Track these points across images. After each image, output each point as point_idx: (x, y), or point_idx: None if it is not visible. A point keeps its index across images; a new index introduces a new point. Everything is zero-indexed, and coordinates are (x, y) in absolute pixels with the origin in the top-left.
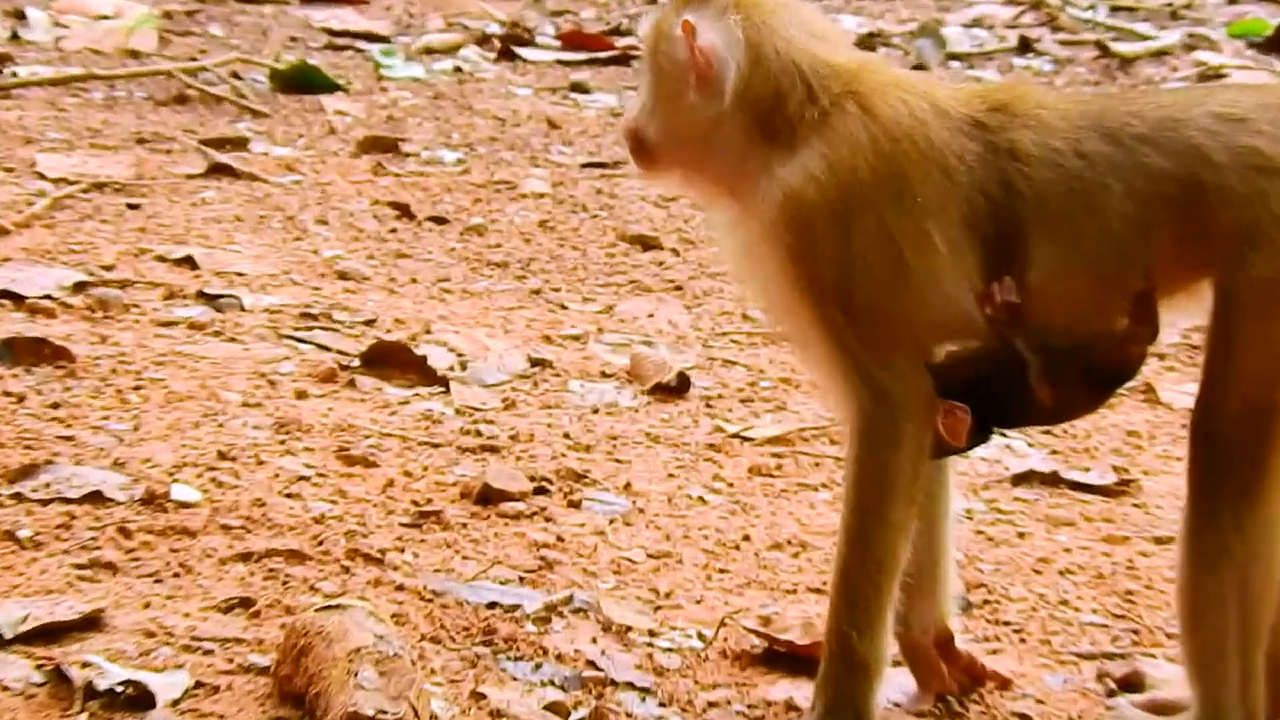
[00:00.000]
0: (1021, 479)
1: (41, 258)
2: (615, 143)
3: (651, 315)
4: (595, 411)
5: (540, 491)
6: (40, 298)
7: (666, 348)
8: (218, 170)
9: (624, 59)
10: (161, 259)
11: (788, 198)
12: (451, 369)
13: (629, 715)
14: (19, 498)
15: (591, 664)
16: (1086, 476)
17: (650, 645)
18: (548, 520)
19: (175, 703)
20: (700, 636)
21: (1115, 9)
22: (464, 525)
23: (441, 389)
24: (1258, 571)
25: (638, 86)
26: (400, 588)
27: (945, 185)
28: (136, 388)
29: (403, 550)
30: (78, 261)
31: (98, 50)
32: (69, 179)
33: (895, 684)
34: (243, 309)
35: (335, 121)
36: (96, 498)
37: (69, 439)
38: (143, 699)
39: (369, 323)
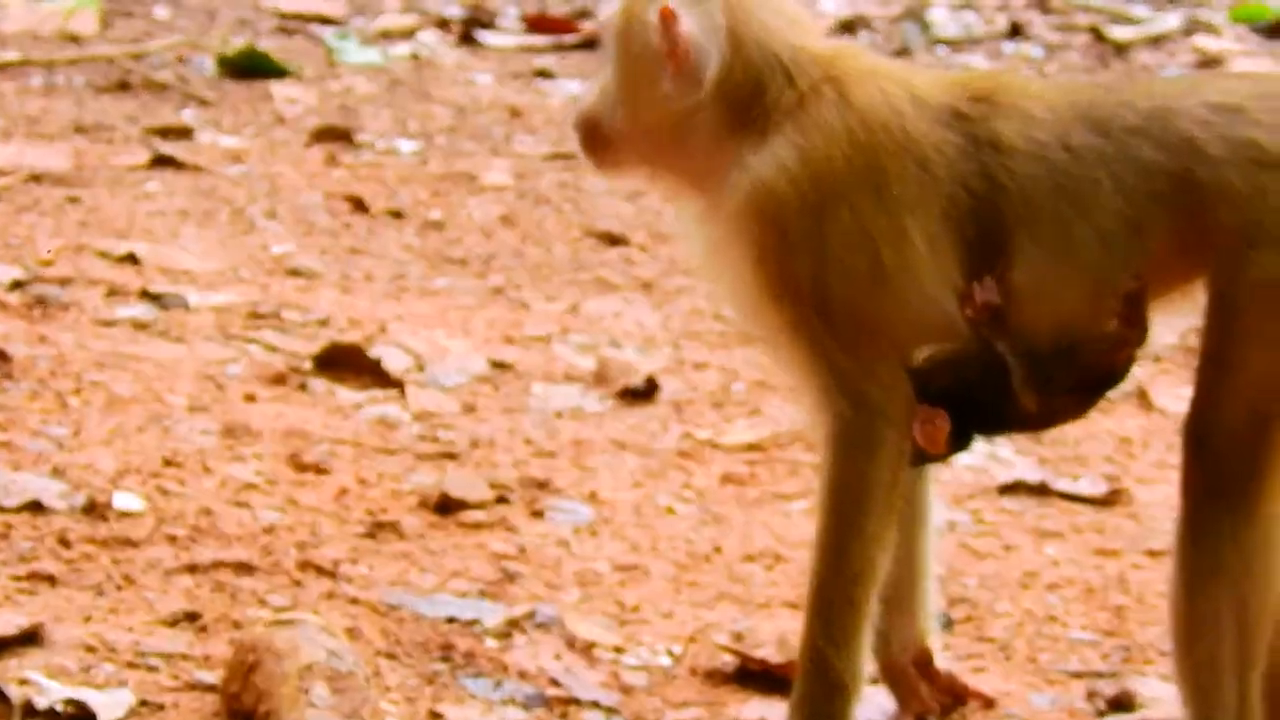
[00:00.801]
0: (1008, 489)
1: None
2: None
3: (619, 315)
4: (559, 416)
5: (501, 500)
6: None
7: (634, 349)
8: (162, 161)
9: (591, 44)
10: (103, 255)
11: (758, 189)
12: (408, 371)
13: None
14: None
15: (555, 682)
16: (1076, 486)
17: (616, 662)
18: (509, 530)
19: None
20: (669, 653)
21: None
22: (421, 536)
23: (398, 392)
24: (1255, 587)
25: (598, 74)
26: (354, 601)
27: (924, 179)
28: (76, 390)
29: (357, 562)
30: (14, 258)
31: (35, 34)
32: (5, 170)
33: (873, 704)
34: (188, 308)
35: (285, 110)
36: (35, 506)
37: (5, 444)
38: (84, 718)
39: (321, 323)
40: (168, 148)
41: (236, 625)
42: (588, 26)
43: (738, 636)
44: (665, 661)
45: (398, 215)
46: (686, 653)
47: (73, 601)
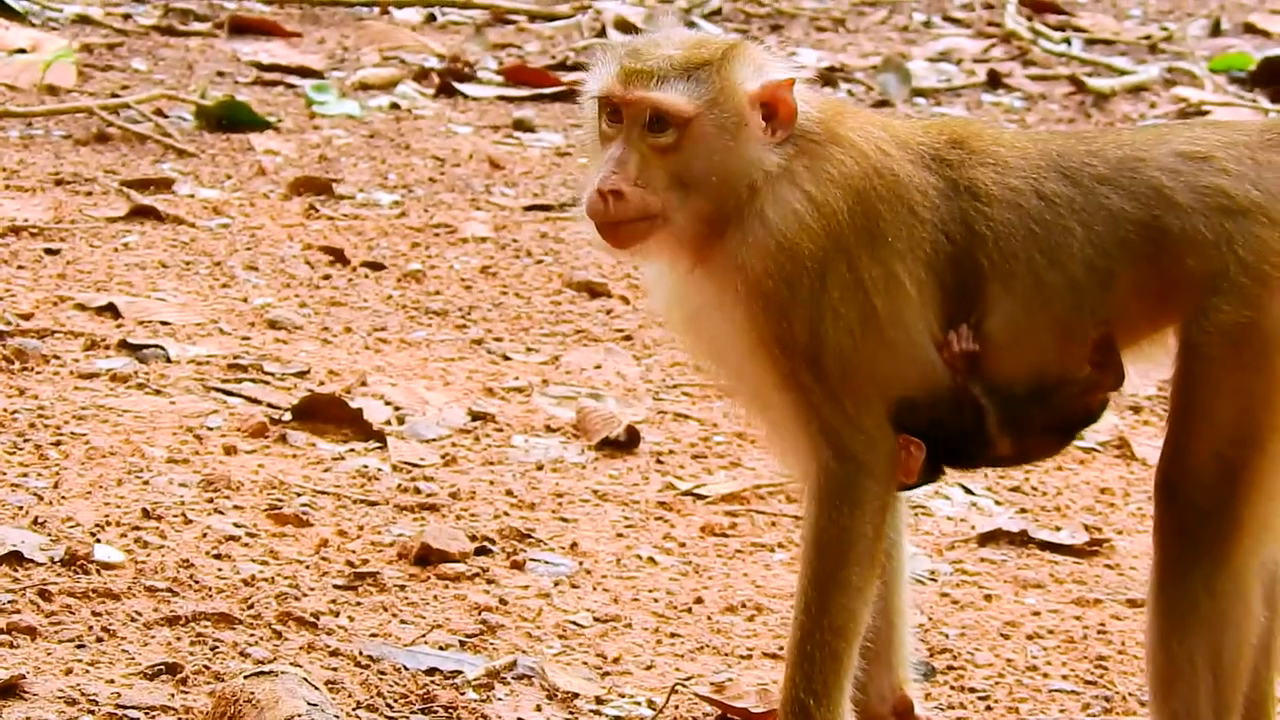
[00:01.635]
0: (989, 538)
1: None
2: (562, 184)
3: (599, 366)
4: (540, 468)
5: (482, 552)
6: None
7: (615, 401)
8: (141, 213)
9: (570, 95)
10: (82, 307)
11: (778, 244)
12: (388, 423)
13: None
14: None
15: None
16: (1057, 536)
17: (598, 713)
18: (490, 582)
19: None
20: (650, 704)
21: (1091, 42)
22: (402, 587)
23: (378, 444)
24: (1230, 635)
25: (625, 151)
26: (335, 653)
27: (913, 223)
28: (56, 443)
29: (337, 614)
30: None
31: (13, 86)
32: None
33: None
34: (168, 360)
35: (265, 161)
36: (15, 558)
37: None
38: None
39: (301, 374)
40: (147, 200)
41: (217, 677)
42: (566, 78)
43: (719, 688)
44: (646, 713)
45: (377, 267)
46: (668, 704)
47: (53, 654)
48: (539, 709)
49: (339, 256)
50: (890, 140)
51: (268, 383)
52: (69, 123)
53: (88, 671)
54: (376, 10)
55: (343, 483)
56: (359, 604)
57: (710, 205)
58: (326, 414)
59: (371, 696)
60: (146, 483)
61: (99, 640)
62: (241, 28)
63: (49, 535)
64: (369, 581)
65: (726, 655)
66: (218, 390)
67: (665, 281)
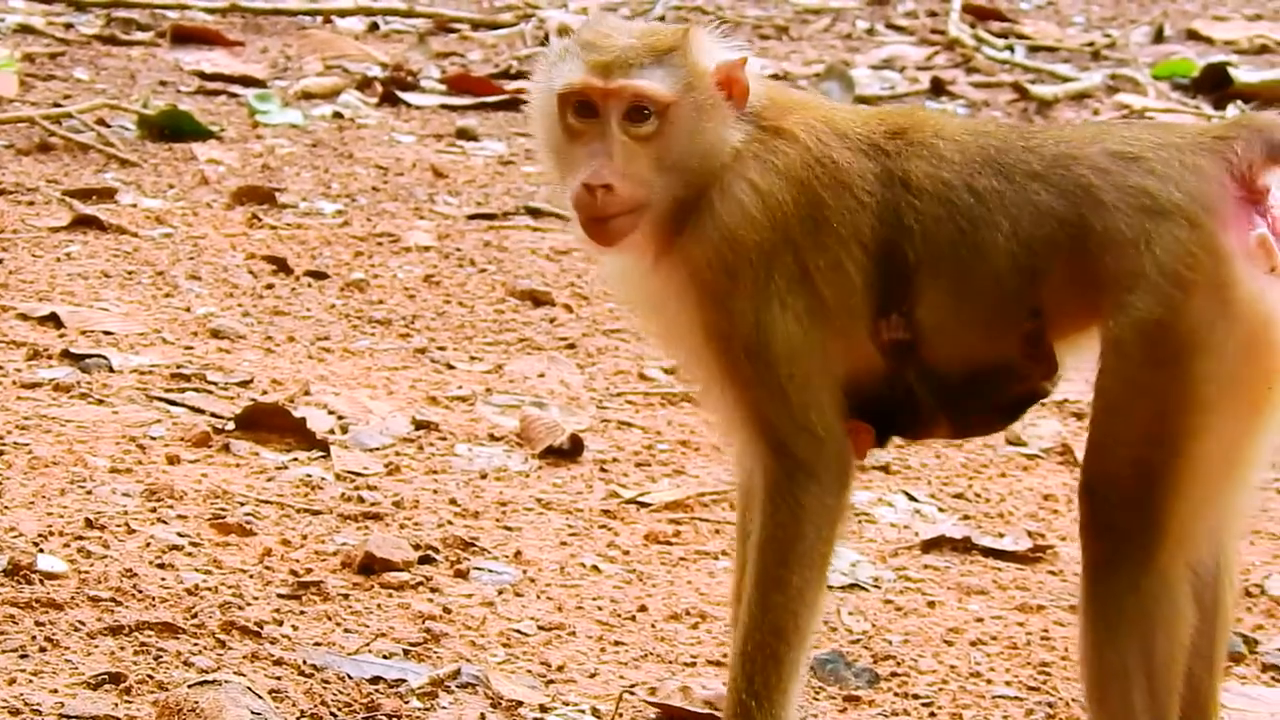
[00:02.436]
0: (932, 545)
1: None
2: (505, 192)
3: (543, 375)
4: (483, 476)
5: (425, 561)
6: None
7: (558, 409)
8: (83, 223)
9: (513, 103)
10: (24, 317)
11: (724, 237)
12: (332, 432)
13: None
14: None
15: None
16: (1000, 542)
17: None
18: (434, 591)
19: None
20: (594, 712)
21: (1034, 49)
22: (345, 596)
23: (321, 453)
24: (1160, 636)
25: (612, 143)
26: (279, 662)
27: (855, 209)
28: None
29: (281, 623)
30: None
31: None
32: None
33: None
34: (111, 370)
35: (208, 171)
36: None
37: None
38: None
39: (244, 384)
40: (90, 209)
41: (161, 686)
42: (510, 86)
43: (664, 695)
44: None
45: (320, 276)
46: (617, 711)
47: None
48: (483, 717)
49: (282, 266)
50: (829, 130)
51: (211, 392)
52: (11, 132)
53: (31, 681)
54: (319, 19)
55: (286, 492)
56: (303, 613)
57: (687, 191)
58: (270, 423)
59: (315, 705)
60: (90, 492)
61: (42, 650)
62: (184, 37)
63: None
64: (313, 590)
65: (671, 663)
66: (161, 400)
67: (629, 275)
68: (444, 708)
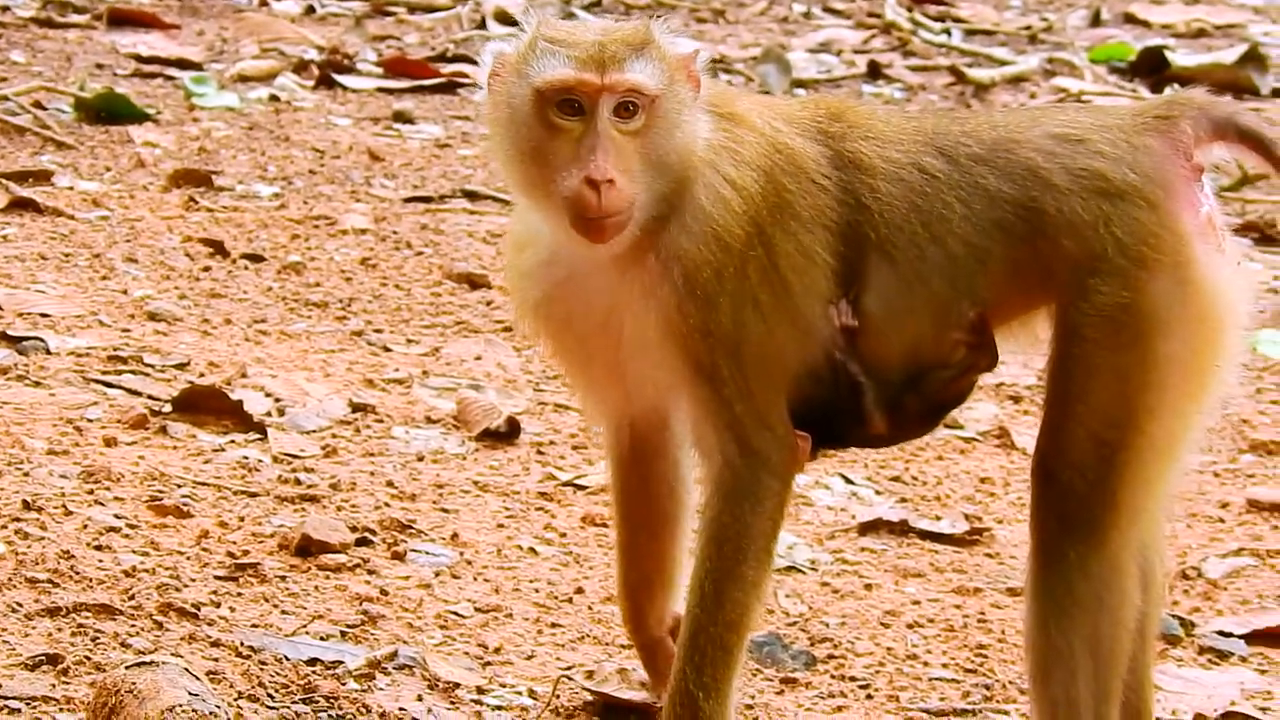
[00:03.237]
0: (869, 528)
1: None
2: (442, 175)
3: (479, 358)
4: (420, 459)
5: (363, 543)
6: None
7: (495, 392)
8: (20, 205)
9: (450, 87)
10: None
11: (715, 235)
12: (269, 414)
13: None
14: None
15: None
16: (937, 525)
17: (479, 703)
18: (371, 573)
19: None
20: (531, 694)
21: (971, 33)
22: (282, 578)
23: (258, 435)
24: (1107, 619)
25: (603, 145)
26: (216, 643)
27: (814, 192)
28: None
29: (218, 604)
30: None
31: None
32: None
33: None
34: (48, 352)
35: (144, 153)
36: None
37: None
38: None
39: (181, 366)
40: (26, 192)
41: (98, 668)
42: (446, 70)
43: (601, 677)
44: (527, 702)
45: (257, 259)
46: (554, 693)
47: None
48: (420, 699)
49: (219, 248)
50: (776, 116)
51: (148, 374)
52: None
53: None
54: (255, 2)
55: (223, 474)
56: (240, 595)
57: (667, 186)
58: (207, 405)
59: (253, 687)
60: (27, 474)
61: None
62: (120, 20)
63: None
64: (250, 572)
65: (607, 645)
66: (98, 382)
67: (592, 276)
68: (381, 689)
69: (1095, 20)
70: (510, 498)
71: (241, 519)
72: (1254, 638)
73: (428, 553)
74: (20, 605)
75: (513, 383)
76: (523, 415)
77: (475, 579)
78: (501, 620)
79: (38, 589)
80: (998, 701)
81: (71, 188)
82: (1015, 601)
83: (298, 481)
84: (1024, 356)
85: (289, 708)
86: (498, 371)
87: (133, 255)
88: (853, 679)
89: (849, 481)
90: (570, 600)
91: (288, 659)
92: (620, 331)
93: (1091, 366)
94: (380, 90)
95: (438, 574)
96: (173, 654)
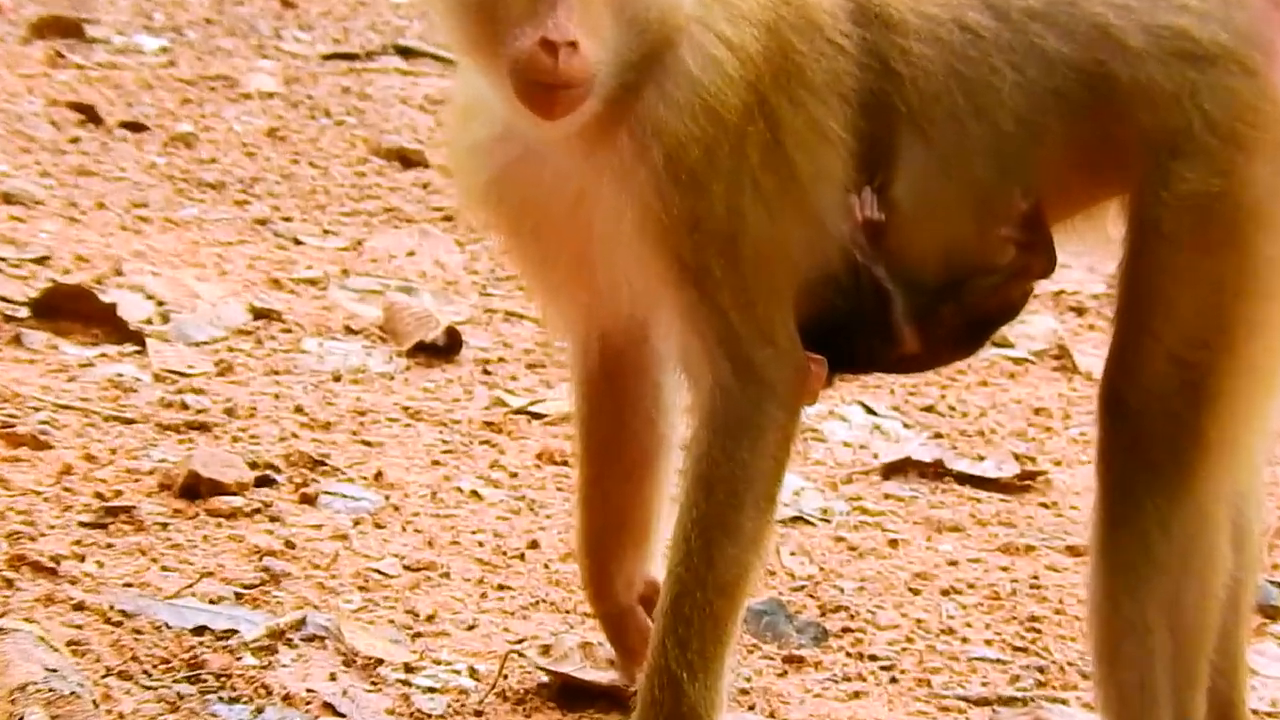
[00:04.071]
0: (895, 469)
1: None
2: (370, 27)
3: (412, 253)
4: (337, 379)
5: (264, 483)
6: None
7: (432, 296)
8: None
9: None
10: None
11: (705, 105)
12: (149, 322)
13: None
14: None
15: (329, 707)
16: (980, 467)
17: (407, 684)
18: (274, 520)
19: None
20: (473, 673)
21: None
22: (164, 526)
23: (136, 348)
24: (1192, 586)
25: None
26: (80, 606)
27: (830, 53)
28: None
29: (83, 558)
30: None
31: None
32: None
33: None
34: None
35: None
36: None
37: None
38: None
39: (41, 260)
40: None
41: None
42: None
43: (560, 654)
44: (468, 683)
45: (138, 128)
46: (502, 673)
47: None
48: (333, 678)
49: (90, 115)
50: None
51: (0, 270)
52: None
53: None
54: None
55: (91, 395)
56: (110, 546)
57: (642, 52)
58: (72, 310)
59: (125, 661)
60: None
61: None
62: None
63: None
64: (122, 518)
65: (568, 613)
66: None
67: (532, 156)
68: (284, 665)
69: None
70: (449, 428)
71: (113, 452)
72: None
73: (345, 495)
74: None
75: (454, 285)
76: (465, 325)
77: (404, 529)
78: (436, 581)
79: None
80: (1053, 687)
81: None
82: (1077, 563)
83: (184, 405)
84: (1089, 259)
85: (169, 688)
86: (435, 270)
87: None
88: (873, 658)
89: (871, 411)
90: (522, 557)
91: (169, 627)
92: (589, 223)
93: (1174, 270)
94: None
95: (357, 522)
96: (25, 619)
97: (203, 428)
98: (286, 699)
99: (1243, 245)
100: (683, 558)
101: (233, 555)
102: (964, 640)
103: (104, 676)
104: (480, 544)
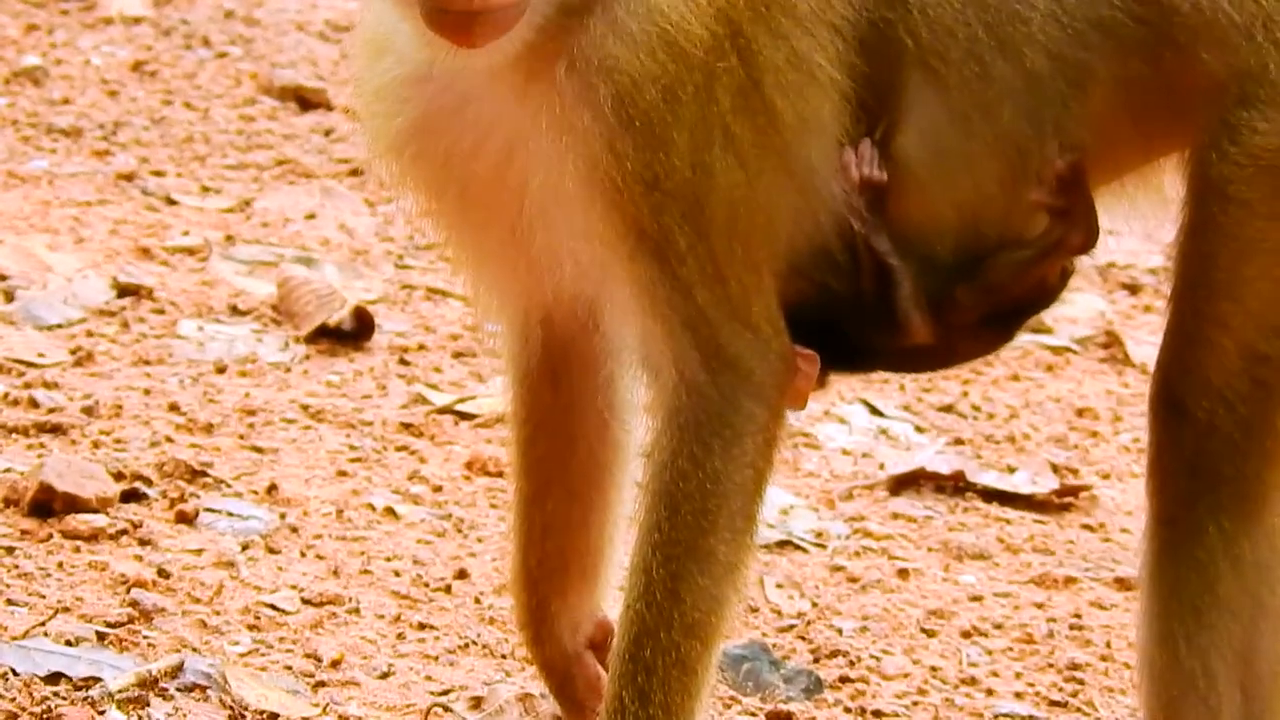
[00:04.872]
0: (905, 483)
1: None
2: None
3: (312, 216)
4: (221, 370)
5: (132, 497)
6: None
7: (337, 268)
8: None
9: None
10: None
11: (663, 37)
12: None
13: None
14: None
15: None
16: (1010, 480)
17: None
18: (144, 543)
19: None
20: None
21: None
22: (9, 551)
23: None
24: (1265, 627)
25: None
26: None
27: None
28: None
29: None
30: None
31: None
32: None
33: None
34: None
35: None
36: None
37: None
38: None
39: None
40: None
41: None
42: None
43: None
44: None
45: None
46: None
47: None
48: None
49: None
50: None
51: None
52: None
53: None
54: None
55: None
56: None
57: None
58: None
59: None
60: None
61: None
62: None
63: None
64: None
65: (502, 658)
66: None
67: (455, 98)
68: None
69: None
70: (357, 431)
71: None
72: None
73: (231, 514)
74: None
75: (363, 255)
76: (378, 305)
77: (304, 555)
78: (342, 619)
79: None
80: None
81: None
82: (1127, 599)
83: (33, 403)
84: (1143, 227)
85: None
86: (340, 237)
87: None
88: (877, 714)
89: (876, 412)
90: (447, 589)
91: (15, 674)
92: (523, 180)
93: (1245, 243)
94: None
95: (246, 547)
96: None
97: (56, 430)
98: None
99: None
100: (643, 591)
101: (94, 587)
102: (989, 693)
103: None
104: (396, 573)
